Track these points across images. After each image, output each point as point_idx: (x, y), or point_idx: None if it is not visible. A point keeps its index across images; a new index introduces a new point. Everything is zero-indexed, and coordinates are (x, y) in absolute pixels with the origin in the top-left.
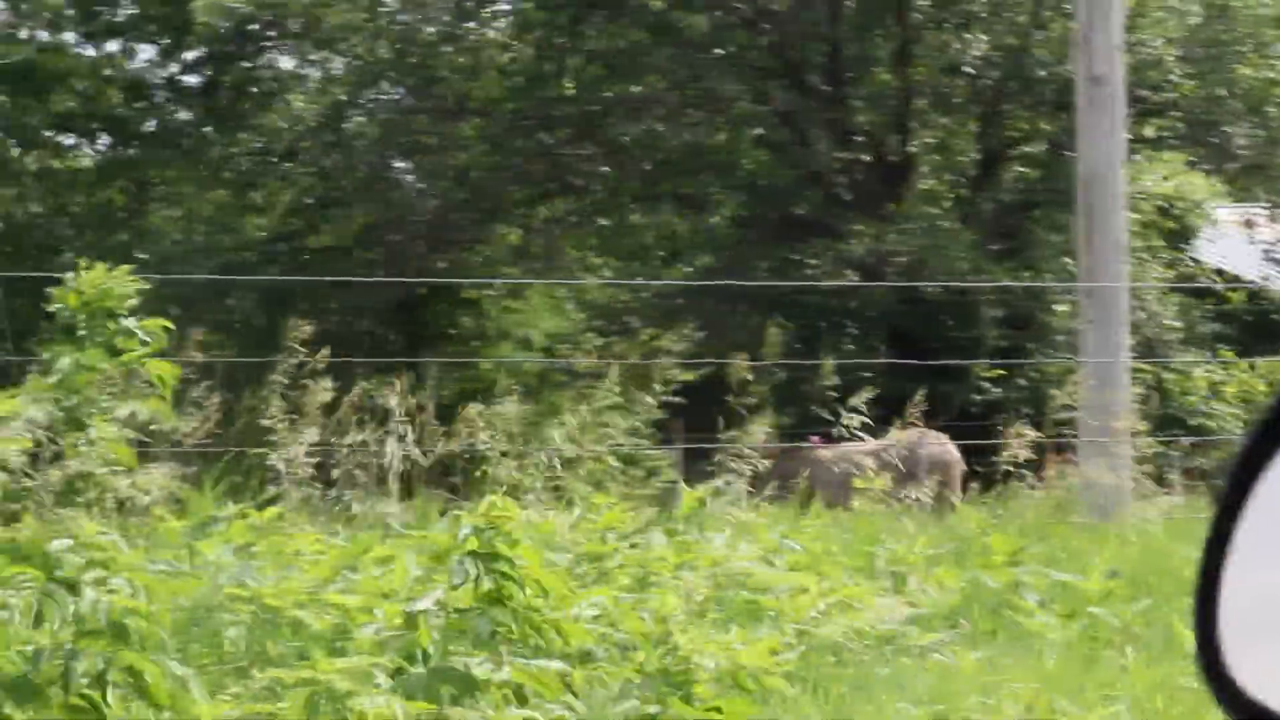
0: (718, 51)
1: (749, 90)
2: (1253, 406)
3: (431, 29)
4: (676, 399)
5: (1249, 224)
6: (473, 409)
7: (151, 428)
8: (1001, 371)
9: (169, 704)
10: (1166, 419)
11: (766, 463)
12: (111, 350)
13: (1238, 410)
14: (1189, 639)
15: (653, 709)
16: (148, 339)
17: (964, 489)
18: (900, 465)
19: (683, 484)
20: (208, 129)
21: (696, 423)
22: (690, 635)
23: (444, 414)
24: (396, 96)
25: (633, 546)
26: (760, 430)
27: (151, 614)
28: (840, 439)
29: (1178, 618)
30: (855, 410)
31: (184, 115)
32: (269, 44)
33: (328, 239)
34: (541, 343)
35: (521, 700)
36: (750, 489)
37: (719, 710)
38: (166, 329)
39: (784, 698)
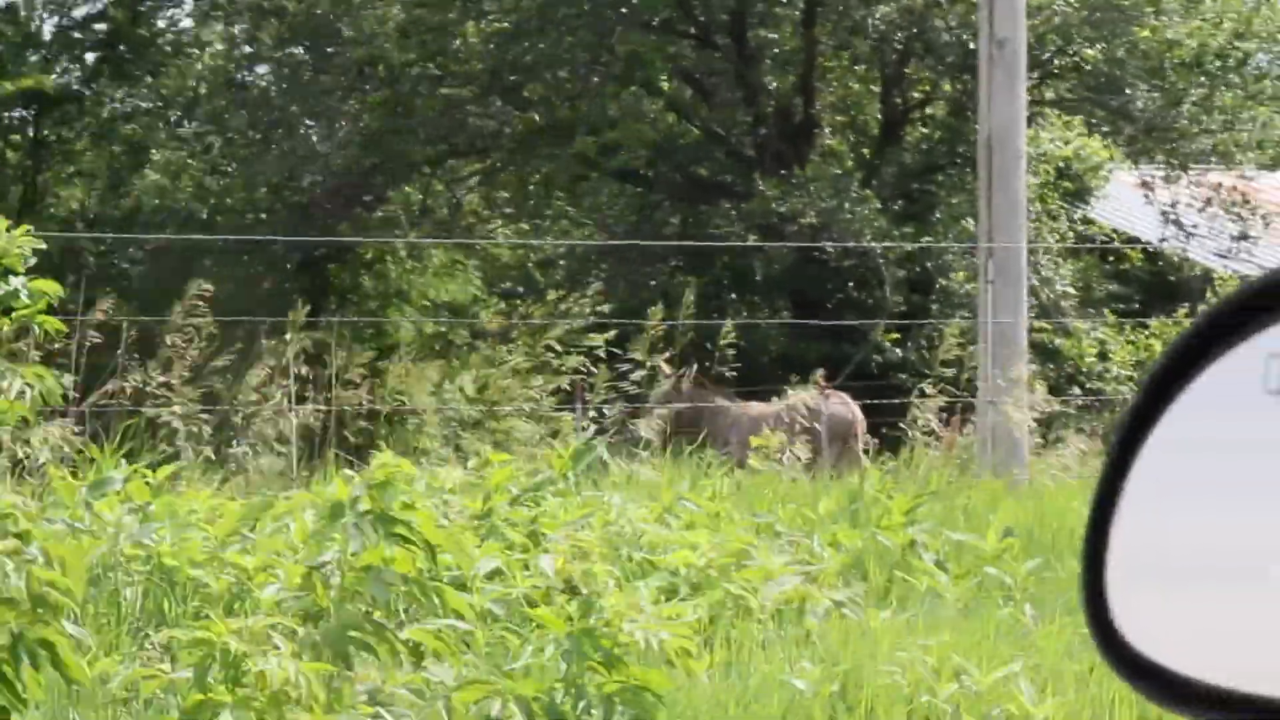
0: (623, 10)
1: (655, 48)
2: (1145, 367)
3: None
4: (581, 359)
5: (1146, 186)
6: (375, 369)
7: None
8: (896, 335)
9: (82, 679)
10: (1063, 379)
11: (667, 422)
12: (4, 310)
13: (1131, 371)
14: (1077, 596)
15: (576, 671)
16: (33, 299)
17: (865, 448)
18: (802, 424)
19: (580, 442)
20: (104, 84)
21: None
22: (615, 599)
23: (346, 374)
24: (298, 55)
25: (526, 505)
26: (661, 390)
27: (67, 586)
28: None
29: (1069, 576)
30: (717, 354)
31: (78, 71)
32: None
33: (230, 198)
34: (446, 303)
35: (418, 660)
36: (648, 447)
37: (636, 679)
38: (60, 294)
39: (689, 660)
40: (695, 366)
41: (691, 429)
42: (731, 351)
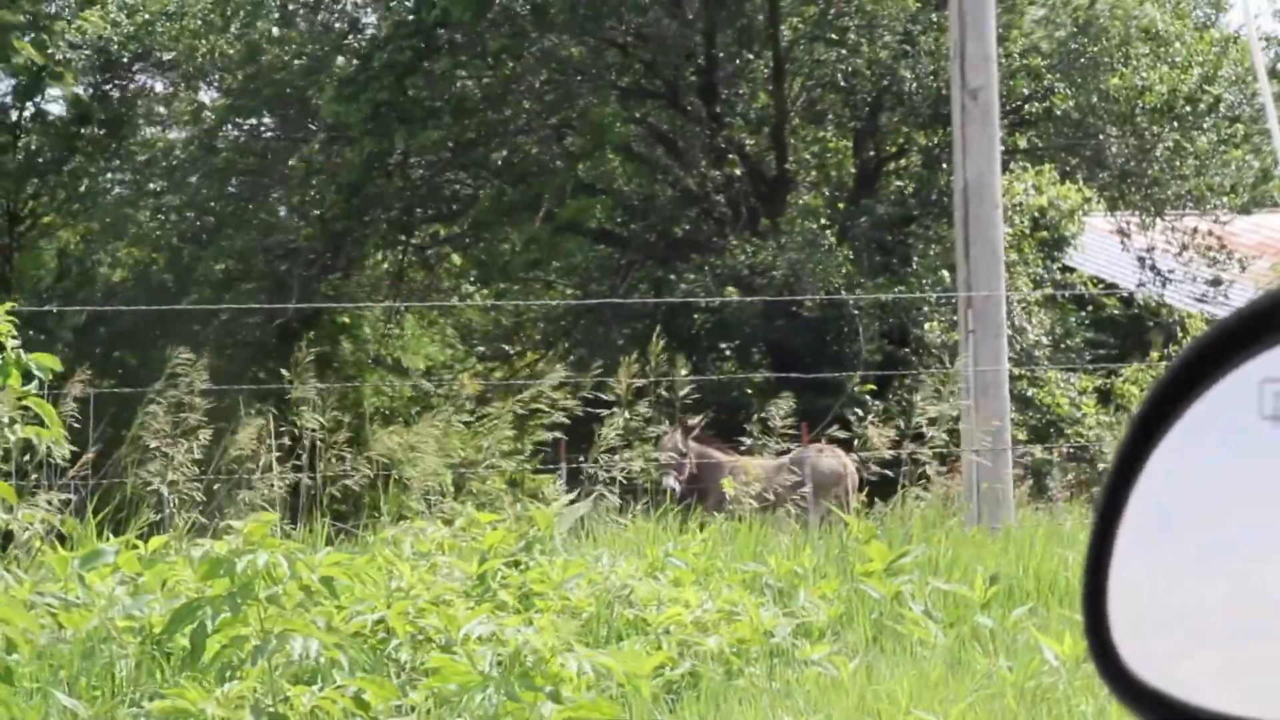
0: (593, 74)
1: (625, 112)
2: (1121, 412)
3: (299, 60)
4: (560, 420)
5: (1122, 233)
6: (357, 435)
7: (37, 459)
8: (873, 386)
9: None
10: (1044, 427)
11: (684, 472)
12: None
13: (1107, 417)
14: (1053, 641)
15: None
16: (37, 373)
17: (858, 501)
18: (794, 477)
19: (560, 504)
20: (78, 161)
21: (581, 443)
22: (546, 637)
23: (328, 441)
24: (268, 128)
25: (516, 565)
26: (667, 443)
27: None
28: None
29: (1056, 621)
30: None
31: (51, 148)
32: (139, 75)
33: (207, 269)
34: (423, 369)
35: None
36: (635, 503)
37: (583, 707)
38: (58, 368)
39: (661, 709)
40: (701, 420)
41: (693, 483)
42: (709, 407)
